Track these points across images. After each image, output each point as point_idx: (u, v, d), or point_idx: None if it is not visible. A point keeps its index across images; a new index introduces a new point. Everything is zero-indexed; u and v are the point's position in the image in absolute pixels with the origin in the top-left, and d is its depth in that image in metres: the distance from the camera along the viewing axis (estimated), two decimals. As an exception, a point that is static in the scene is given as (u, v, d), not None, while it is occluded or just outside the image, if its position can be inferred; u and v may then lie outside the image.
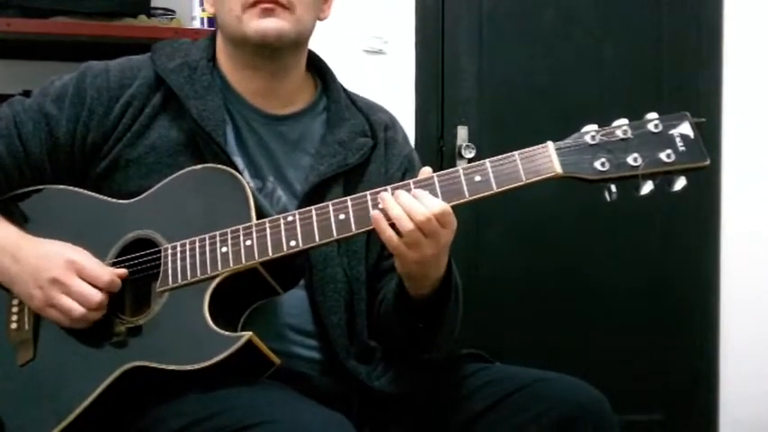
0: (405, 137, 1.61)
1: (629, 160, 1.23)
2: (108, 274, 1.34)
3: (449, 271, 1.37)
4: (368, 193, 1.29)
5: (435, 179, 1.27)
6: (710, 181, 2.95)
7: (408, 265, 1.30)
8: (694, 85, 2.94)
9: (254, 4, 1.41)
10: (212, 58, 1.51)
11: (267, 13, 1.41)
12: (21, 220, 1.43)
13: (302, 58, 1.52)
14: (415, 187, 1.27)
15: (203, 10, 2.21)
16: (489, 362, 1.50)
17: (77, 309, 1.32)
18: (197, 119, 1.41)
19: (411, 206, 1.25)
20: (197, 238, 1.33)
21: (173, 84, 1.44)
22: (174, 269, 1.33)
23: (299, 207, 1.35)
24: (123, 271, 1.35)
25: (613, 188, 1.24)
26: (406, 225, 1.24)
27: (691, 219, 2.98)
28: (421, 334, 1.42)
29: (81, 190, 1.44)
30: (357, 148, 1.49)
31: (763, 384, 3.00)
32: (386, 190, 1.28)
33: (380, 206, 1.27)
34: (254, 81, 1.48)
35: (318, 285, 1.42)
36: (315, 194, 1.42)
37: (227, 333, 1.27)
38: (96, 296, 1.32)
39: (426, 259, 1.28)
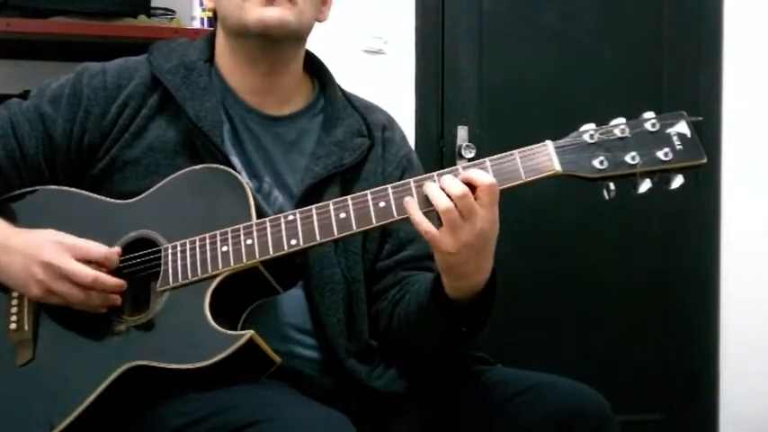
0: (403, 137, 1.61)
1: (628, 158, 1.23)
2: (101, 250, 1.33)
3: (491, 284, 1.32)
4: (368, 192, 1.29)
5: (436, 177, 1.27)
6: (710, 181, 2.95)
7: (445, 258, 1.25)
8: (694, 85, 2.94)
9: None
10: (210, 59, 1.51)
11: (269, 1, 1.40)
12: (19, 221, 1.42)
13: (300, 56, 1.52)
14: (415, 184, 1.27)
15: (203, 10, 2.21)
16: (491, 364, 1.49)
17: (77, 294, 1.32)
18: (194, 119, 1.41)
19: (448, 182, 1.23)
20: (197, 238, 1.33)
21: (169, 85, 1.44)
22: (175, 268, 1.33)
23: (296, 208, 1.35)
24: (117, 249, 1.35)
25: (612, 186, 1.24)
26: (443, 202, 1.21)
27: (691, 219, 2.98)
28: (450, 337, 1.38)
29: (80, 190, 1.44)
30: (354, 149, 1.49)
31: (763, 384, 3.00)
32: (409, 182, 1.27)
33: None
34: (251, 78, 1.48)
35: (316, 286, 1.42)
36: (311, 195, 1.42)
37: (228, 332, 1.27)
38: (90, 275, 1.31)
39: (464, 251, 1.23)
